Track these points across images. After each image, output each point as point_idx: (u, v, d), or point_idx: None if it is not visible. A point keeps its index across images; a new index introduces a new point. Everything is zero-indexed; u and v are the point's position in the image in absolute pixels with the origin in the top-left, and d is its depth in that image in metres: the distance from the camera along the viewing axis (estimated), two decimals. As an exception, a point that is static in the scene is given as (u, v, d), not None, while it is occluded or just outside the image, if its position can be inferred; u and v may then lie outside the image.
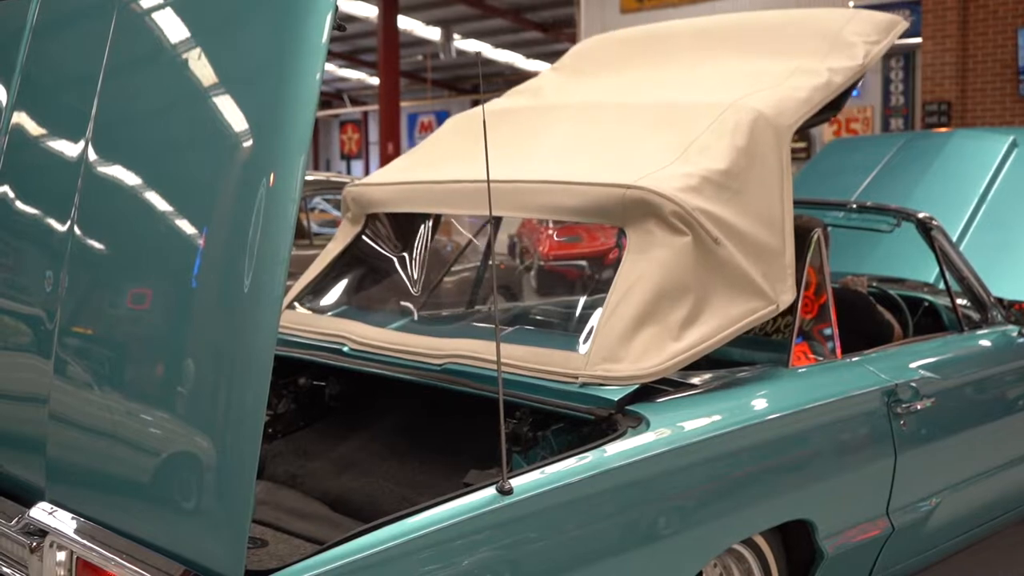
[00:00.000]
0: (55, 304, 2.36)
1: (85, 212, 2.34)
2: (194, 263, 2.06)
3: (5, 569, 2.48)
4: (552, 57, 29.74)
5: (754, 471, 2.85)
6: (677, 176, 2.96)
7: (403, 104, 26.42)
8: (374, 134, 32.96)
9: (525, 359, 2.82)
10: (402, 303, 3.63)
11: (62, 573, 2.23)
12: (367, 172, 34.55)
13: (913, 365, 3.51)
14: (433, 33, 26.40)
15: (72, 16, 2.63)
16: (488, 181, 2.14)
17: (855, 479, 3.18)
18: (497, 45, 28.00)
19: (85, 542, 2.18)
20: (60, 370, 2.33)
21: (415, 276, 3.69)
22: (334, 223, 9.61)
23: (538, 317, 3.46)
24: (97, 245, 2.34)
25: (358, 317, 3.45)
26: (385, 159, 22.63)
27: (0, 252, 2.60)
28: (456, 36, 26.56)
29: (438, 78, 32.92)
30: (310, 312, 3.57)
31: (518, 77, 31.62)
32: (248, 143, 2.04)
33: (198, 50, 2.21)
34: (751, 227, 3.01)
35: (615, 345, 2.74)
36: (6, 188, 2.59)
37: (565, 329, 3.25)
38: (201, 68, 2.19)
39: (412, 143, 35.05)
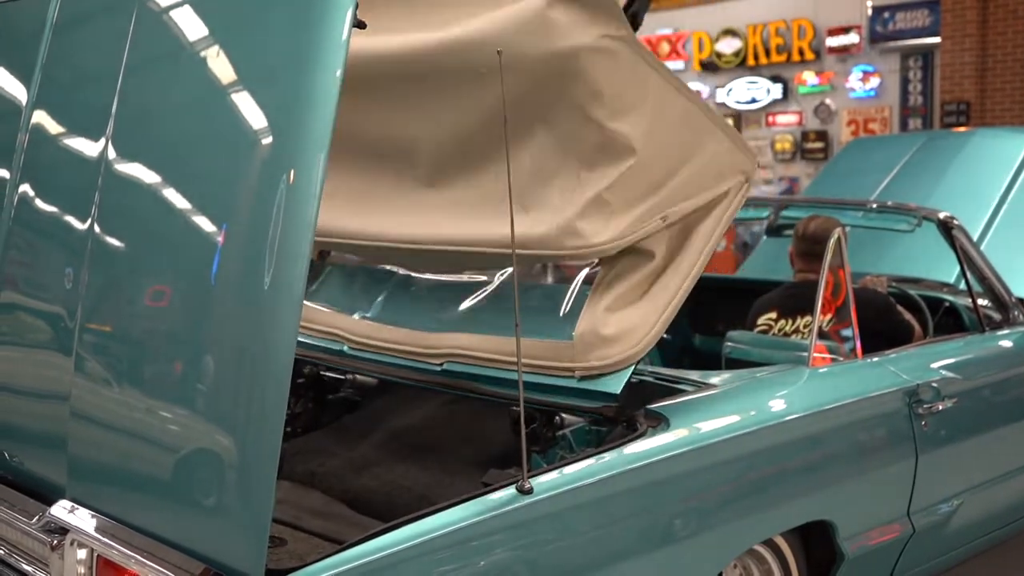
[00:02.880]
0: (76, 301, 2.36)
1: (105, 209, 2.34)
2: (213, 260, 2.05)
3: (26, 567, 2.49)
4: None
5: (775, 472, 2.84)
6: (591, 209, 2.61)
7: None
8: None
9: (525, 354, 2.60)
10: (394, 293, 3.56)
11: (83, 571, 2.23)
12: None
13: (934, 365, 3.48)
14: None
15: (92, 13, 2.64)
16: (508, 178, 2.13)
17: (876, 480, 3.16)
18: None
19: (106, 540, 2.18)
20: (81, 367, 2.33)
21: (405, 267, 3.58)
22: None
23: (533, 304, 3.34)
24: (117, 242, 2.34)
25: (352, 310, 3.40)
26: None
27: (21, 249, 2.61)
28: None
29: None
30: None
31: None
32: (268, 140, 2.04)
33: (218, 47, 2.20)
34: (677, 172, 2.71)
35: (601, 328, 2.66)
36: (27, 186, 2.60)
37: (557, 315, 3.13)
38: (221, 65, 2.19)
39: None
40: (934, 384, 3.35)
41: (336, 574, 2.00)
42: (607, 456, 2.47)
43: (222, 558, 2.00)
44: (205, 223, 2.12)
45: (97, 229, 2.34)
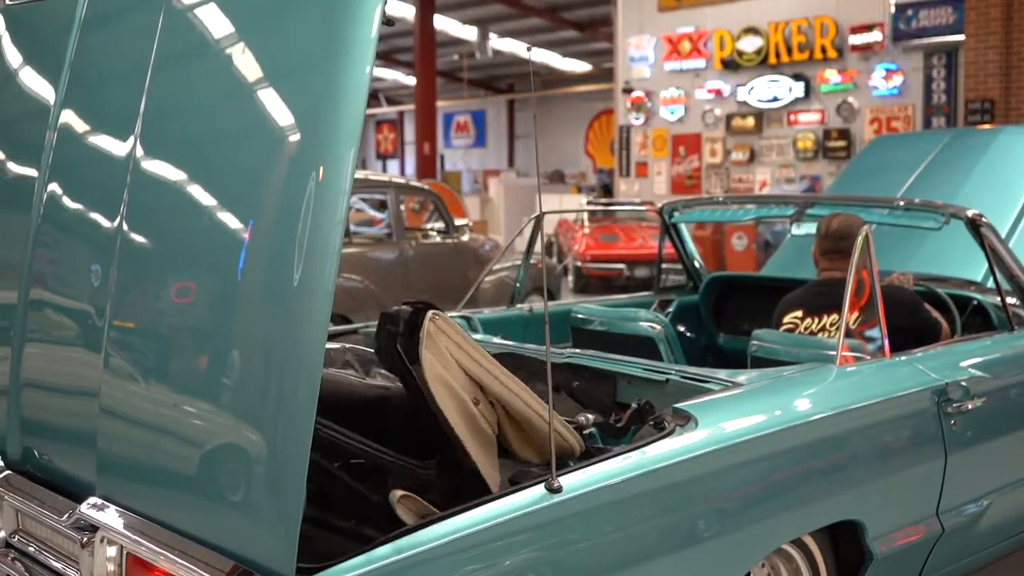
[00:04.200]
0: (104, 299, 2.37)
1: (134, 207, 2.35)
2: (240, 256, 2.05)
3: (55, 564, 2.50)
4: (589, 56, 29.79)
5: (803, 471, 2.82)
6: None
7: (439, 104, 26.50)
8: (410, 134, 33.08)
9: None
10: None
11: (112, 568, 2.24)
12: (403, 172, 34.69)
13: (963, 364, 3.45)
14: (469, 32, 26.45)
15: (119, 11, 2.64)
16: (539, 175, 2.13)
17: (905, 480, 3.14)
18: (533, 44, 27.99)
19: (135, 537, 2.19)
20: (110, 364, 2.34)
21: None
22: (371, 222, 9.65)
23: None
24: (146, 240, 2.34)
25: None
26: (421, 159, 22.71)
27: (49, 247, 2.62)
28: (492, 35, 26.59)
29: (474, 77, 32.98)
30: None
31: (554, 77, 31.65)
32: (296, 137, 2.04)
33: (246, 43, 2.20)
34: None
35: None
36: (55, 184, 2.61)
37: None
38: (249, 61, 2.19)
39: (448, 143, 35.16)
40: (963, 383, 3.32)
41: (365, 572, 2.00)
42: (635, 455, 2.46)
43: (252, 555, 2.00)
44: (233, 220, 2.12)
45: (125, 227, 2.35)
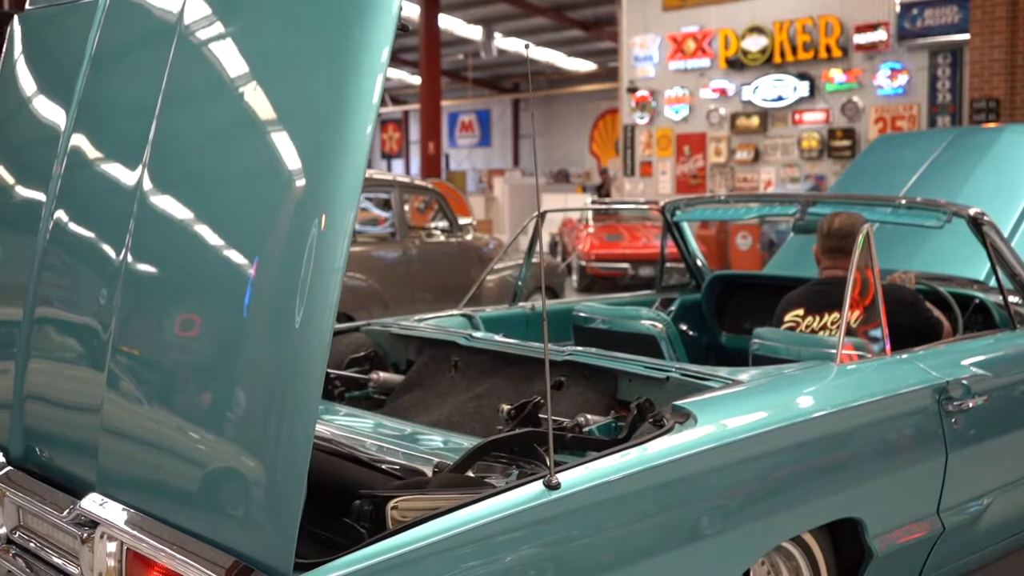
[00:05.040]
0: (109, 321, 2.39)
1: (140, 237, 2.38)
2: (245, 294, 2.08)
3: (56, 560, 2.51)
4: (593, 56, 29.77)
5: (803, 469, 2.83)
6: None
7: (444, 103, 26.49)
8: (415, 133, 33.09)
9: None
10: None
11: (112, 564, 2.25)
12: (407, 171, 34.68)
13: (964, 362, 3.45)
14: (474, 32, 26.44)
15: (131, 44, 2.67)
16: (536, 174, 2.13)
17: (905, 478, 3.14)
18: (538, 44, 27.98)
19: (135, 533, 2.20)
20: (112, 384, 2.36)
21: None
22: (376, 221, 9.66)
23: None
24: (151, 270, 2.37)
25: None
26: (426, 158, 22.71)
27: (55, 270, 2.64)
28: (497, 35, 26.58)
29: (479, 77, 32.97)
30: None
31: (559, 76, 31.64)
32: (301, 182, 2.06)
33: (255, 84, 2.23)
34: None
35: None
36: (63, 210, 2.64)
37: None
38: (258, 101, 2.21)
39: (453, 142, 35.17)
40: (964, 381, 3.32)
41: (363, 568, 2.01)
42: (634, 452, 2.47)
43: (251, 551, 2.01)
44: (238, 257, 2.14)
45: (130, 257, 2.38)
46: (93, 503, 2.35)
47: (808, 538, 2.91)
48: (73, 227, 2.61)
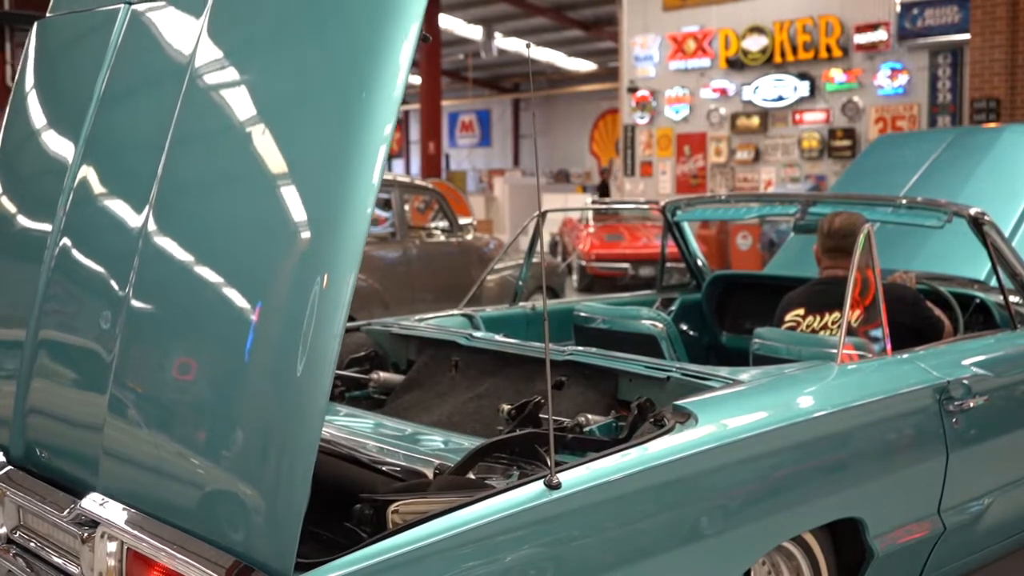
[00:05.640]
0: (112, 347, 2.40)
1: (144, 273, 2.39)
2: (247, 339, 2.09)
3: (57, 560, 2.51)
4: (594, 55, 29.77)
5: (804, 468, 2.82)
6: None
7: (444, 103, 26.49)
8: (415, 133, 33.07)
9: None
10: None
11: (113, 563, 2.25)
12: (408, 171, 34.68)
13: (965, 362, 3.45)
14: (474, 32, 26.43)
15: (141, 84, 2.69)
16: (537, 173, 2.13)
17: (906, 478, 3.14)
18: (538, 43, 27.98)
19: (136, 532, 2.20)
20: (114, 409, 2.37)
21: None
22: (376, 221, 9.66)
23: None
24: (153, 306, 2.38)
25: None
26: (426, 158, 22.70)
27: (61, 300, 2.66)
28: (497, 35, 26.57)
29: (479, 77, 32.96)
30: None
31: (559, 76, 31.63)
32: (306, 235, 2.06)
33: (264, 130, 2.24)
34: None
35: None
36: (68, 241, 2.66)
37: None
38: (266, 149, 2.22)
39: (453, 142, 35.16)
40: (965, 381, 3.32)
41: (363, 568, 2.00)
42: (635, 452, 2.46)
43: (252, 551, 2.01)
44: (241, 302, 2.15)
45: (134, 292, 2.39)
46: (93, 503, 2.34)
47: (809, 538, 2.91)
48: (77, 262, 2.63)
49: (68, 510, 2.41)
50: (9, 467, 2.73)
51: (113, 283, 2.46)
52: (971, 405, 3.30)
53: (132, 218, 2.46)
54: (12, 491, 2.65)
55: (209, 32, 2.44)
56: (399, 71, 2.03)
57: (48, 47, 3.04)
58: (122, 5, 2.74)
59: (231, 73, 2.40)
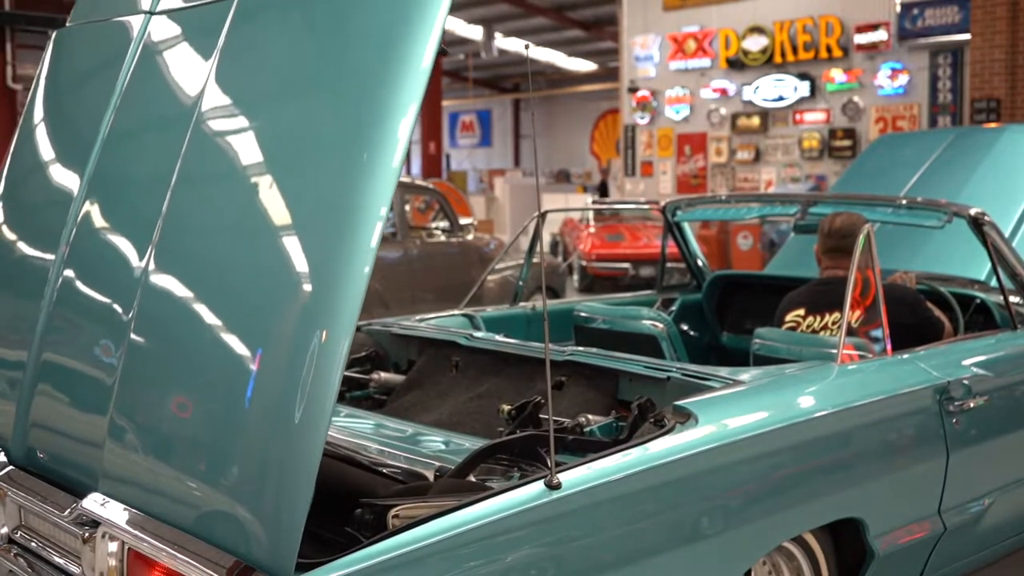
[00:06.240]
0: (113, 379, 2.42)
1: (145, 312, 2.41)
2: (248, 386, 2.11)
3: (58, 560, 2.51)
4: (594, 56, 29.76)
5: (804, 468, 2.83)
6: None
7: (445, 103, 26.49)
8: (416, 133, 33.02)
9: None
10: None
11: (114, 563, 2.25)
12: (408, 171, 34.65)
13: (965, 362, 3.45)
14: (474, 32, 26.43)
15: (147, 125, 2.72)
16: (537, 174, 2.13)
17: (906, 478, 3.14)
18: (539, 44, 27.98)
19: (136, 533, 2.20)
20: (115, 434, 2.39)
21: None
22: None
23: None
24: (154, 345, 2.39)
25: None
26: (427, 158, 22.71)
27: (64, 327, 2.67)
28: (497, 35, 26.57)
29: (479, 77, 32.96)
30: None
31: (560, 76, 31.63)
32: (307, 289, 2.08)
33: (269, 177, 2.26)
34: None
35: None
36: (70, 272, 2.67)
37: None
38: (270, 200, 2.24)
39: (454, 142, 35.16)
40: (965, 381, 3.32)
41: (364, 568, 2.01)
42: (635, 452, 2.47)
43: (253, 552, 2.01)
44: (242, 348, 2.16)
45: (134, 331, 2.40)
46: (94, 503, 2.35)
47: (809, 538, 2.91)
48: (79, 296, 2.64)
49: (69, 510, 2.42)
50: (10, 467, 2.73)
51: (115, 315, 2.47)
52: (971, 405, 3.30)
53: (135, 255, 2.48)
54: (13, 491, 2.65)
55: (217, 78, 2.47)
56: (398, 144, 2.05)
57: (62, 65, 3.09)
58: (142, 15, 2.79)
59: (238, 120, 2.43)
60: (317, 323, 2.02)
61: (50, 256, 2.73)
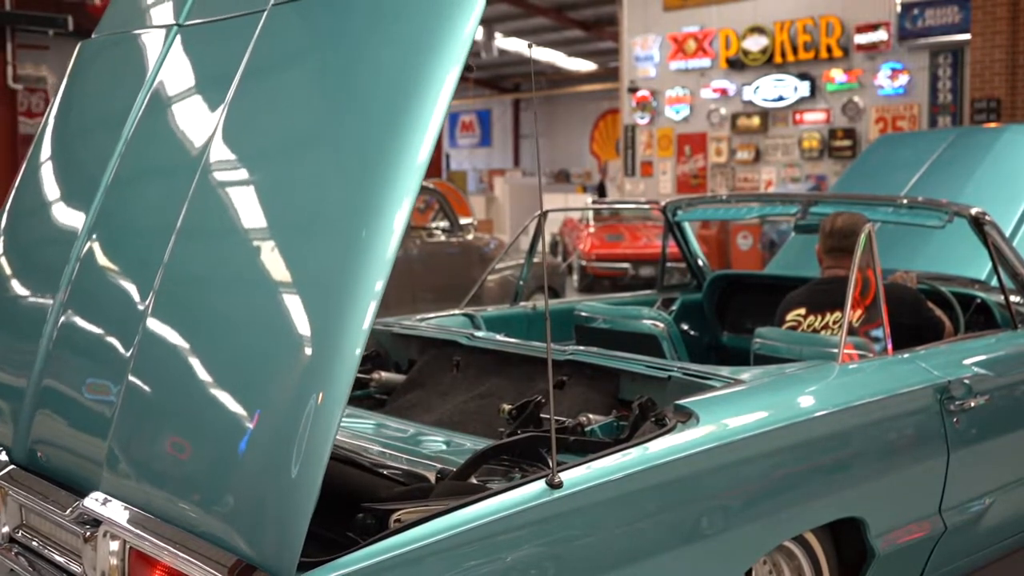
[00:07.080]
0: (112, 412, 2.42)
1: (145, 355, 2.41)
2: (242, 440, 2.11)
3: (59, 559, 2.51)
4: (594, 56, 29.76)
5: (805, 468, 2.83)
6: None
7: (445, 103, 26.42)
8: (416, 133, 32.99)
9: None
10: None
11: (115, 562, 2.25)
12: (409, 171, 34.59)
13: (966, 362, 3.46)
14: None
15: (152, 170, 2.75)
16: (539, 173, 2.13)
17: (907, 477, 3.14)
18: (539, 43, 27.96)
19: (138, 531, 2.20)
20: (111, 463, 2.39)
21: None
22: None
23: None
24: (152, 391, 2.39)
25: None
26: (427, 158, 22.67)
27: (65, 359, 2.67)
28: (498, 35, 26.57)
29: (480, 77, 32.95)
30: None
31: (560, 76, 31.62)
32: (307, 351, 2.08)
33: (271, 236, 2.28)
34: None
35: None
36: (72, 309, 2.68)
37: None
38: (271, 258, 2.25)
39: (453, 142, 35.15)
40: (966, 381, 3.33)
41: (364, 567, 2.01)
42: (636, 451, 2.47)
43: (254, 551, 2.01)
44: (239, 409, 2.17)
45: (132, 372, 2.41)
46: (96, 501, 2.34)
47: (810, 537, 2.91)
48: (79, 332, 2.65)
49: (70, 509, 2.41)
50: (11, 466, 2.73)
51: (115, 354, 2.48)
52: (972, 405, 3.31)
53: (136, 303, 2.49)
54: (14, 490, 2.65)
55: (224, 130, 2.49)
56: (393, 235, 2.05)
57: (93, 51, 3.10)
58: (163, 39, 2.82)
59: (244, 173, 2.45)
60: (315, 385, 2.03)
61: (50, 296, 2.75)
